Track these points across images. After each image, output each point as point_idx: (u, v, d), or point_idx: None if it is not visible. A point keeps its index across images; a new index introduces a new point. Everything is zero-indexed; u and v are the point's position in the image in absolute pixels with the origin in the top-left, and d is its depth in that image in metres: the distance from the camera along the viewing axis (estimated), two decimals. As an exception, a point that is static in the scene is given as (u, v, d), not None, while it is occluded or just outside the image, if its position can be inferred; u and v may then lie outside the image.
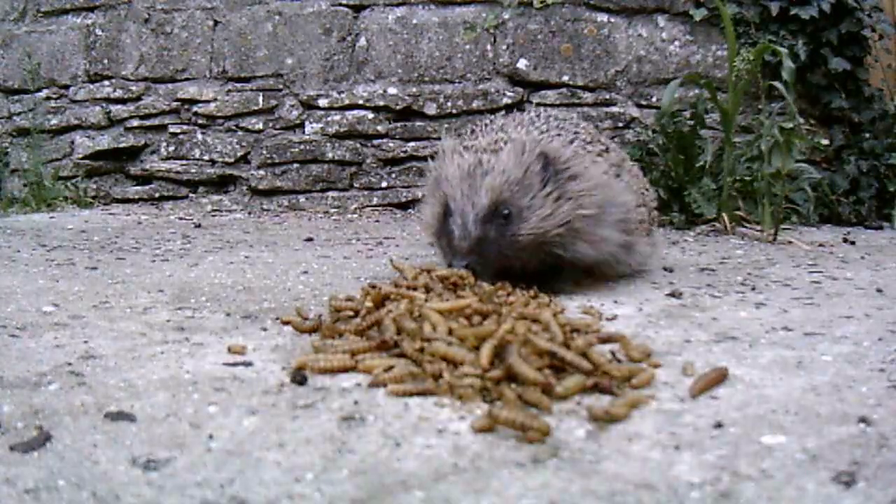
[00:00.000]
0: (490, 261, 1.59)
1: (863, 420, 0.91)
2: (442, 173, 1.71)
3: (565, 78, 3.91)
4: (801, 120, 2.98)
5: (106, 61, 4.24)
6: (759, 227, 3.01)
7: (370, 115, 3.97)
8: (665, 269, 2.10)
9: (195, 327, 1.40)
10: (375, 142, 3.97)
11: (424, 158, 3.93)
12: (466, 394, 0.99)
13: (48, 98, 4.33)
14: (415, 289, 1.40)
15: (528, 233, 1.63)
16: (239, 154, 4.05)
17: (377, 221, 3.56)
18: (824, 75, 3.73)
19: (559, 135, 1.82)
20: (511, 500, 0.72)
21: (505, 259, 1.62)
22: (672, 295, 1.72)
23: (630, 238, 1.80)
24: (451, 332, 1.15)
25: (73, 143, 4.27)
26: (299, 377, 1.06)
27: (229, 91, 4.09)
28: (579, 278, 1.79)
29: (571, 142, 1.81)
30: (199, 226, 3.28)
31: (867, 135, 3.73)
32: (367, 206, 3.95)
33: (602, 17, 3.91)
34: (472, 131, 1.92)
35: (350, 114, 3.98)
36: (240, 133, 4.07)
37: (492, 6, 3.89)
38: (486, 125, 1.92)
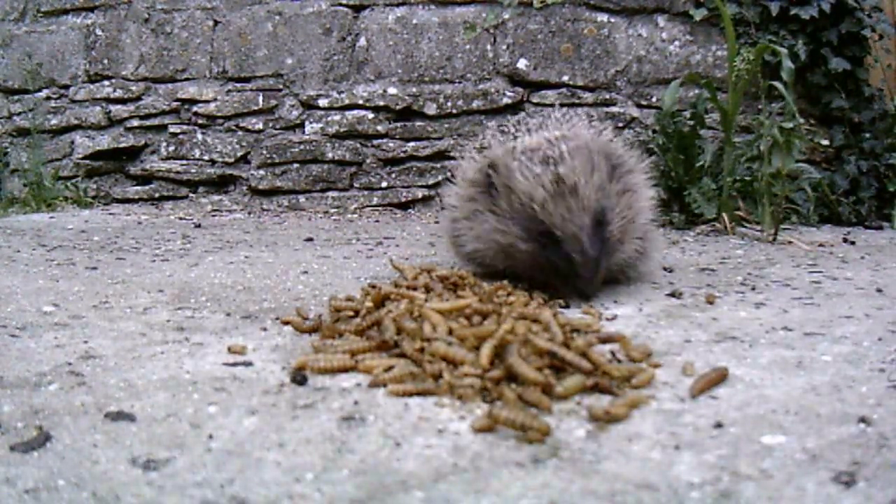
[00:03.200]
0: (603, 274, 1.59)
1: (863, 420, 0.91)
2: (514, 188, 1.59)
3: (565, 78, 3.91)
4: (801, 120, 2.97)
5: (106, 61, 4.24)
6: (759, 227, 3.01)
7: (370, 115, 3.97)
8: (665, 269, 2.10)
9: (195, 327, 1.40)
10: (375, 142, 3.98)
11: (424, 158, 3.94)
12: (466, 394, 0.99)
13: (48, 98, 4.33)
14: (415, 289, 1.40)
15: (618, 233, 1.62)
16: (239, 154, 4.06)
17: (377, 221, 3.56)
18: (824, 75, 3.73)
19: (599, 133, 1.79)
20: (511, 500, 0.72)
21: (607, 266, 1.62)
22: (672, 295, 1.72)
23: (646, 243, 1.79)
24: (451, 332, 1.15)
25: (73, 143, 4.27)
26: (299, 377, 1.06)
27: (229, 91, 4.10)
28: None
29: (612, 140, 1.79)
30: (199, 226, 3.28)
31: (867, 135, 3.73)
32: (367, 206, 3.95)
33: (602, 17, 3.91)
34: (504, 131, 1.81)
35: (350, 114, 3.98)
36: (240, 133, 4.07)
37: (492, 6, 3.89)
38: (520, 121, 1.84)
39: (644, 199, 1.72)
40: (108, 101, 4.22)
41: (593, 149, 1.62)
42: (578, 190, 1.56)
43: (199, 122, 4.11)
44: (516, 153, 1.63)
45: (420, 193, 3.95)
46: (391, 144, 3.96)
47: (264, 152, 4.02)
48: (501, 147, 1.71)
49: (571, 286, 1.57)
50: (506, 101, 3.89)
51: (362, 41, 4.01)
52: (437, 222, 3.42)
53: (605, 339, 1.23)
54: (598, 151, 1.63)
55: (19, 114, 4.39)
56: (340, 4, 4.02)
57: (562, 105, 3.82)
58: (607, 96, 3.91)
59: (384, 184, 3.97)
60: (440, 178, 3.83)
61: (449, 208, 1.88)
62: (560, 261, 1.57)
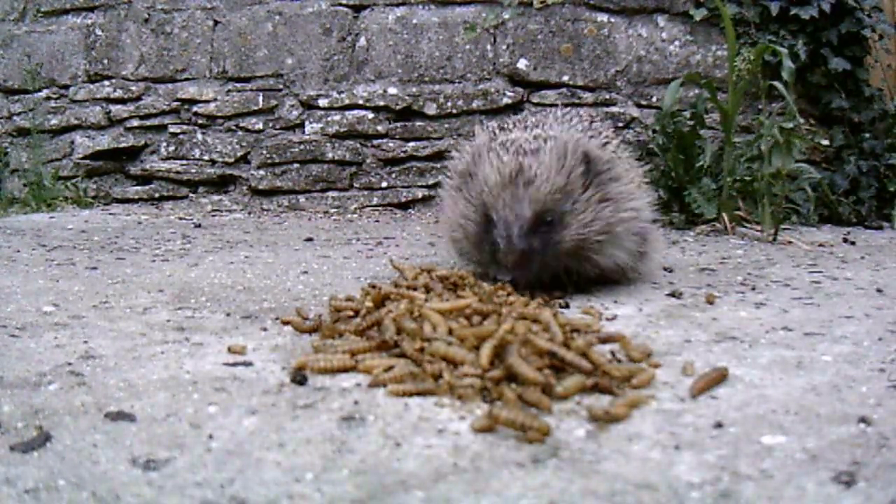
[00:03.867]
0: (533, 271, 1.57)
1: (863, 420, 0.91)
2: (479, 174, 1.64)
3: (565, 78, 3.91)
4: (801, 120, 2.97)
5: (106, 61, 4.24)
6: (759, 227, 3.01)
7: (370, 115, 3.97)
8: (665, 269, 2.10)
9: (195, 327, 1.40)
10: (375, 142, 3.98)
11: (424, 158, 3.94)
12: (466, 394, 0.99)
13: (48, 98, 4.33)
14: (415, 289, 1.40)
15: (571, 239, 1.60)
16: (239, 154, 4.05)
17: (377, 221, 3.56)
18: (824, 75, 3.73)
19: (596, 135, 1.77)
20: (511, 500, 0.72)
21: (546, 267, 1.60)
22: (672, 295, 1.72)
23: (644, 247, 1.78)
24: (451, 332, 1.15)
25: (73, 143, 4.27)
26: (299, 377, 1.06)
27: (229, 91, 4.10)
28: (584, 285, 1.75)
29: (606, 144, 1.77)
30: (199, 226, 3.28)
31: (867, 135, 3.73)
32: (367, 206, 3.95)
33: (602, 17, 3.91)
34: (503, 128, 1.83)
35: (350, 114, 3.98)
36: (240, 133, 4.07)
37: (492, 6, 3.89)
38: (519, 119, 1.86)
39: (628, 210, 1.68)
40: (108, 101, 4.22)
41: (571, 151, 1.61)
42: (533, 184, 1.57)
43: (199, 122, 4.11)
44: (494, 144, 1.66)
45: (420, 193, 3.95)
46: (391, 144, 3.96)
47: (264, 152, 4.02)
48: (484, 138, 1.74)
49: (494, 271, 1.57)
50: (506, 101, 3.89)
51: (362, 41, 4.01)
52: (436, 222, 3.42)
53: (605, 339, 1.23)
54: (576, 154, 1.62)
55: (19, 114, 4.39)
56: (340, 4, 4.02)
57: (562, 105, 3.82)
58: (607, 96, 3.90)
59: (384, 184, 3.96)
60: (440, 178, 3.82)
61: (445, 201, 1.90)
62: (489, 245, 1.59)
